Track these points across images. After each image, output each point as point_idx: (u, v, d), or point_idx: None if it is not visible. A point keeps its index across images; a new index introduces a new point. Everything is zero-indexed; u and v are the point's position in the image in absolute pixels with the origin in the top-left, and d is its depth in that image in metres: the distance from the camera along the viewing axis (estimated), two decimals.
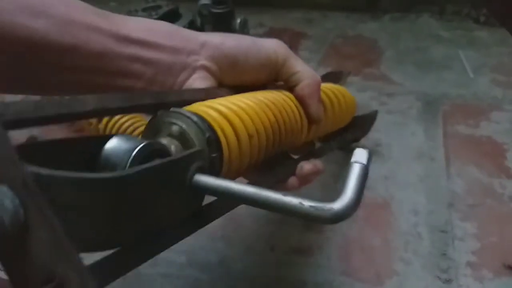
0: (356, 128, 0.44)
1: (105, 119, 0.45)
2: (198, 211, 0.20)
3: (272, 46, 0.29)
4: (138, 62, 0.25)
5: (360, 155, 0.18)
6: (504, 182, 0.42)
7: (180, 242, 0.19)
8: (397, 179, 0.43)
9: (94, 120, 0.47)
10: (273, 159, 0.27)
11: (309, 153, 0.32)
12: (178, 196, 0.18)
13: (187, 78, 0.26)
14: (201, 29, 0.67)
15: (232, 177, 0.24)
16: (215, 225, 0.38)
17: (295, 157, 0.32)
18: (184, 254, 0.36)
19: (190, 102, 0.24)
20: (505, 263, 0.34)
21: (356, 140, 0.47)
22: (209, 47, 0.27)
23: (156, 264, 0.35)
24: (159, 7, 0.65)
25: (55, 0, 0.23)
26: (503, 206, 0.40)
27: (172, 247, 0.19)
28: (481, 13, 0.75)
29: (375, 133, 0.49)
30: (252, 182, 0.25)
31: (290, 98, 0.29)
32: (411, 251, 0.36)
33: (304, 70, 0.29)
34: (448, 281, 0.33)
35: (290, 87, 0.30)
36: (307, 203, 0.16)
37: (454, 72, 0.61)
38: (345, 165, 0.47)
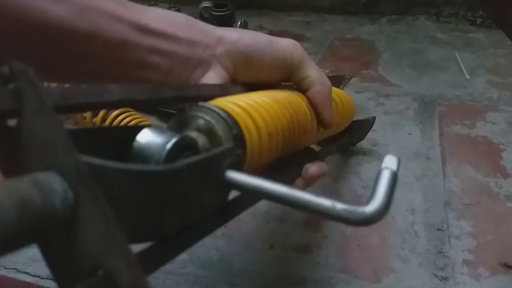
0: (353, 133, 0.45)
1: (101, 113, 0.46)
2: (225, 205, 0.21)
3: (289, 47, 0.28)
4: (155, 54, 0.24)
5: (390, 162, 0.18)
6: (500, 181, 0.43)
7: None
8: None
9: (88, 114, 0.47)
10: (281, 160, 0.27)
11: (313, 155, 0.32)
12: (212, 190, 0.19)
13: (203, 74, 0.26)
14: None
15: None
16: None
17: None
18: (186, 251, 0.36)
19: (207, 97, 0.24)
20: (501, 261, 0.35)
21: (352, 144, 0.48)
22: (225, 43, 0.26)
23: None
24: None
25: None
26: (498, 205, 0.40)
27: None
28: (477, 15, 0.76)
29: (373, 133, 0.49)
30: None
31: (303, 100, 0.29)
32: (408, 249, 0.36)
33: (315, 75, 0.29)
34: (444, 279, 0.34)
35: (302, 90, 0.30)
36: (339, 206, 0.17)
37: (450, 74, 0.62)
38: (342, 166, 0.48)
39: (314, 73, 0.29)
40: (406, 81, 0.61)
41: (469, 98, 0.57)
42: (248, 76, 0.28)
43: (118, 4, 0.24)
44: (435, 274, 0.34)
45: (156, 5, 0.67)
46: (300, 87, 0.30)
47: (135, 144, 0.18)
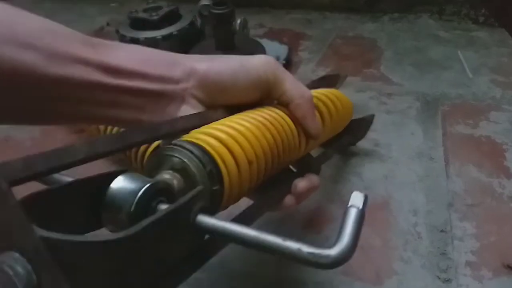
0: (352, 132, 0.44)
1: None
2: (201, 246, 0.20)
3: (262, 66, 0.28)
4: (126, 93, 0.25)
5: (356, 199, 0.18)
6: (503, 182, 0.42)
7: None
8: (397, 179, 0.43)
9: (102, 127, 0.46)
10: (270, 179, 0.27)
11: (305, 167, 0.31)
12: (181, 236, 0.19)
13: (177, 108, 0.26)
14: (201, 29, 0.67)
15: (231, 203, 0.24)
16: None
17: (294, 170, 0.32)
18: None
19: (184, 130, 0.24)
20: (504, 262, 0.34)
21: (352, 144, 0.47)
22: (196, 75, 0.26)
23: None
24: (159, 8, 0.65)
25: (42, 31, 0.22)
26: (502, 206, 0.40)
27: None
28: (480, 13, 0.76)
29: (374, 133, 0.49)
30: (250, 204, 0.25)
31: (286, 114, 0.29)
32: (410, 250, 0.36)
33: (292, 89, 0.28)
34: (447, 281, 0.33)
35: (283, 105, 0.29)
36: (305, 250, 0.17)
37: (453, 72, 0.62)
38: (342, 167, 0.48)
39: (290, 87, 0.28)
40: (408, 80, 0.60)
41: (472, 98, 0.56)
42: (225, 101, 0.28)
43: (85, 45, 0.24)
44: (437, 276, 0.34)
45: (154, 4, 0.67)
46: (281, 103, 0.29)
47: (108, 191, 0.18)
